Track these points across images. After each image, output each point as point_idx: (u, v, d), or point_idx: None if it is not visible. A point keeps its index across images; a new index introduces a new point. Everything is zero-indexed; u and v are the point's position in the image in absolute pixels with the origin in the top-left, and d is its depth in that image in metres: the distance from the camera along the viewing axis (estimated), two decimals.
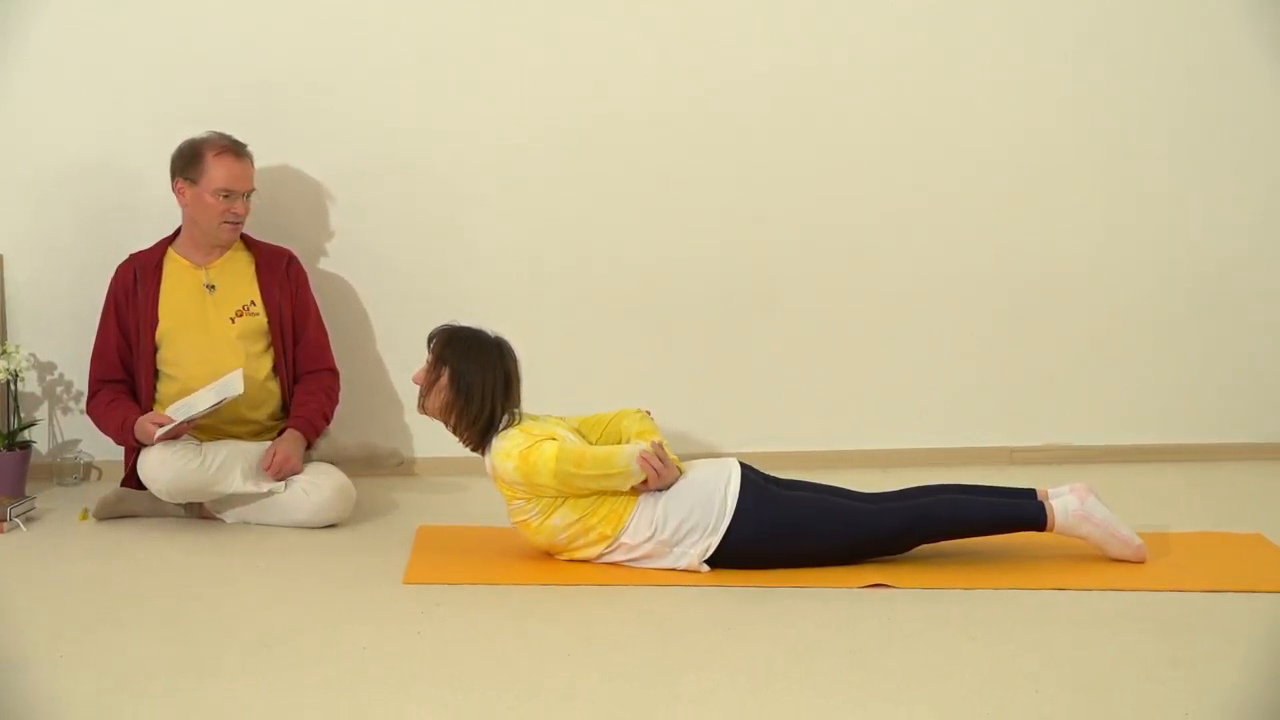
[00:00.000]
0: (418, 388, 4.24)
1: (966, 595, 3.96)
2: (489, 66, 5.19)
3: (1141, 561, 4.19)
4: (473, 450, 4.24)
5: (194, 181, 4.72)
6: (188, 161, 4.73)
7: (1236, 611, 3.83)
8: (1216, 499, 5.01)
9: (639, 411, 4.37)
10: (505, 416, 4.18)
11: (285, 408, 4.81)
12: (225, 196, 4.70)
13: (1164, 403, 5.53)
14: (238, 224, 4.75)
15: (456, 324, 4.26)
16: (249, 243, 4.89)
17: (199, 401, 4.57)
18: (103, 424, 4.76)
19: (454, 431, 4.23)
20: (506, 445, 4.13)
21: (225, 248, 4.82)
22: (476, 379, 4.15)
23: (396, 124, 5.19)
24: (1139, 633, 3.67)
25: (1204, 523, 4.68)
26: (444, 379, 4.17)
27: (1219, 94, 5.39)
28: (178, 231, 4.84)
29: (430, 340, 4.24)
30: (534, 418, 4.25)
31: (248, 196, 4.75)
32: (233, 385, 4.54)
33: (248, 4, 5.10)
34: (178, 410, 4.60)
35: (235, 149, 4.72)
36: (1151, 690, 3.30)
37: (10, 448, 4.92)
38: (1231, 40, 5.35)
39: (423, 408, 4.24)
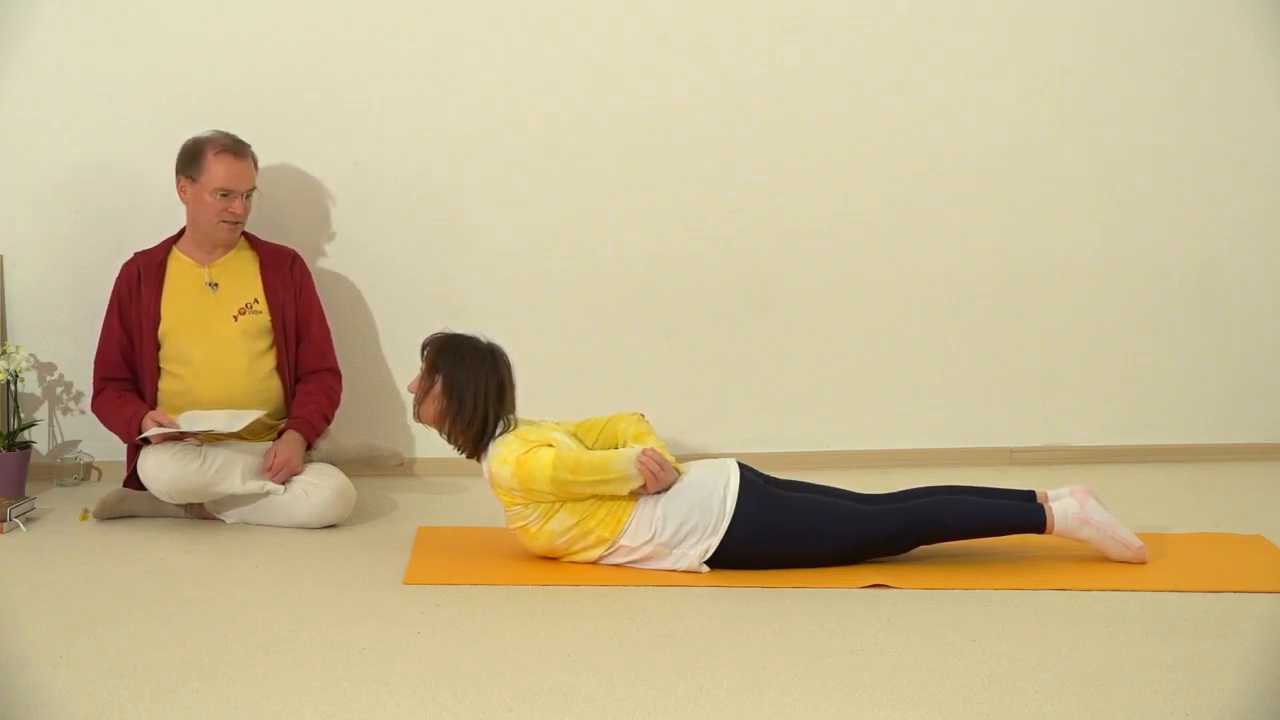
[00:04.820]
0: (413, 396, 4.25)
1: (966, 595, 3.96)
2: (489, 67, 5.19)
3: (1142, 563, 4.19)
4: (468, 457, 4.25)
5: (194, 179, 4.73)
6: (189, 159, 4.74)
7: (1236, 611, 3.83)
8: (1216, 499, 5.01)
9: (634, 414, 4.37)
10: (500, 423, 4.19)
11: (287, 408, 4.81)
12: (223, 196, 4.71)
13: (1164, 403, 5.53)
14: (236, 224, 4.76)
15: (449, 331, 4.27)
16: (253, 242, 4.89)
17: (208, 420, 4.57)
18: (108, 421, 4.76)
19: (449, 439, 4.23)
20: (502, 452, 4.13)
21: (227, 245, 4.83)
22: (470, 386, 4.15)
23: (396, 125, 5.19)
24: (1139, 633, 3.67)
25: (1204, 523, 4.68)
26: (438, 387, 4.18)
27: (1219, 94, 5.40)
28: (183, 231, 4.85)
29: (423, 349, 4.25)
30: (530, 423, 4.25)
31: (247, 197, 4.75)
32: (238, 423, 4.55)
33: (248, 5, 5.10)
34: (186, 420, 4.59)
35: (235, 149, 4.73)
36: (1151, 690, 3.30)
37: (10, 448, 4.92)
38: (1231, 40, 5.36)
39: (418, 416, 4.25)
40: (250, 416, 4.59)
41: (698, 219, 5.32)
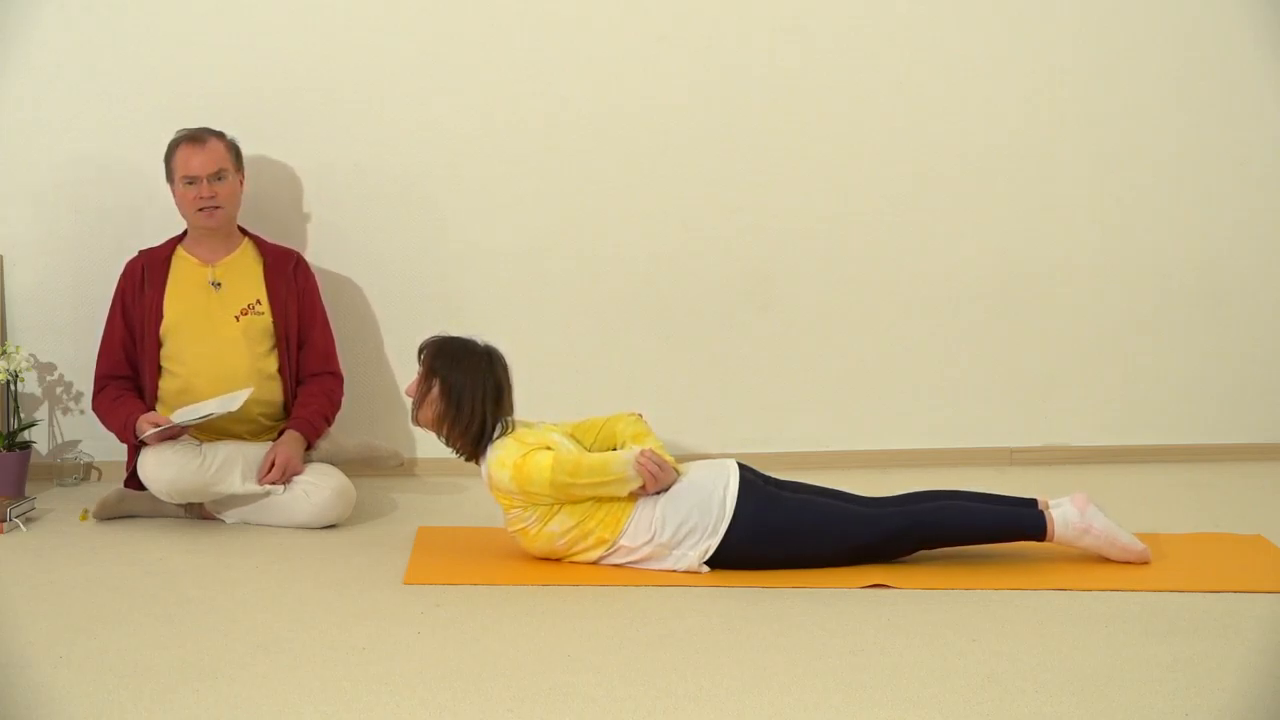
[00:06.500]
0: (410, 400, 4.26)
1: (966, 595, 3.96)
2: (489, 67, 5.19)
3: (1145, 564, 4.19)
4: (467, 460, 4.25)
5: (171, 179, 4.78)
6: (165, 163, 4.80)
7: (1236, 611, 3.83)
8: (1216, 499, 5.01)
9: (632, 415, 4.37)
10: (498, 425, 4.19)
11: (287, 409, 4.81)
12: (189, 183, 4.73)
13: (1164, 403, 5.53)
14: (211, 209, 4.75)
15: (446, 335, 4.27)
16: (258, 243, 4.90)
17: (202, 410, 4.57)
18: (106, 420, 4.77)
19: (447, 442, 4.23)
20: (501, 455, 4.13)
21: (231, 244, 4.83)
22: (467, 389, 4.15)
23: (396, 125, 5.19)
24: (1139, 633, 3.67)
25: (1204, 523, 4.68)
26: (435, 391, 4.18)
27: (1219, 94, 5.40)
28: (188, 230, 4.86)
29: (420, 352, 4.25)
30: (528, 425, 4.25)
31: (216, 179, 4.74)
32: (234, 404, 4.55)
33: (248, 5, 5.10)
34: (180, 415, 4.60)
35: (192, 136, 4.76)
36: (1151, 690, 3.30)
37: (10, 448, 4.92)
38: (1231, 40, 5.36)
39: (416, 420, 4.25)
40: (242, 396, 4.58)
41: (698, 219, 5.32)
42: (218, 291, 4.80)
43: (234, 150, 4.81)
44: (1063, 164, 5.40)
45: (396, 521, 4.74)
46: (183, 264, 4.83)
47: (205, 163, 4.73)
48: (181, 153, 4.75)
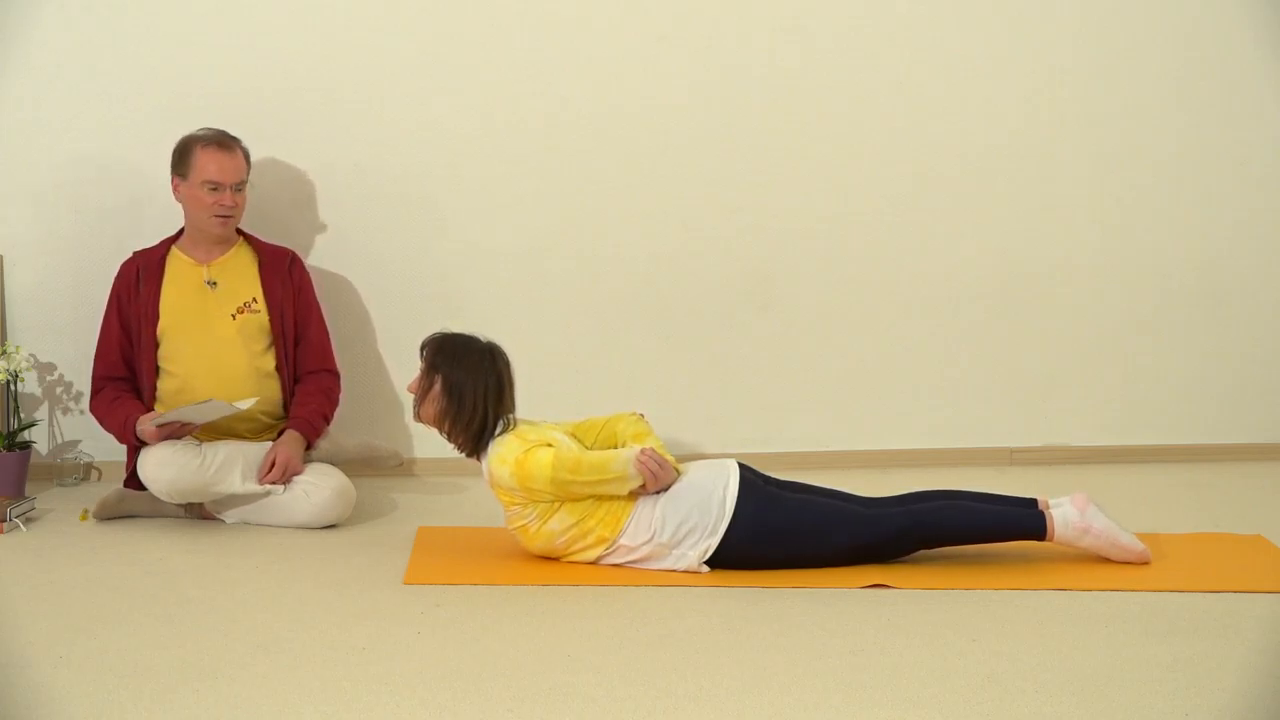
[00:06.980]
0: (412, 397, 4.26)
1: (966, 595, 3.96)
2: (489, 67, 5.19)
3: (1145, 564, 4.19)
4: (468, 456, 4.25)
5: (185, 177, 4.76)
6: (179, 157, 4.77)
7: (1236, 611, 3.83)
8: (1216, 499, 5.01)
9: (633, 415, 4.37)
10: (499, 422, 4.19)
11: (285, 407, 4.81)
12: (213, 189, 4.72)
13: (1164, 403, 5.53)
14: (227, 217, 4.76)
15: (447, 331, 4.27)
16: (252, 242, 4.90)
17: (206, 410, 4.57)
18: (105, 422, 4.77)
19: (449, 439, 4.24)
20: (502, 451, 4.13)
21: (226, 244, 4.83)
22: (468, 386, 4.16)
23: (396, 125, 5.19)
24: (1139, 633, 3.68)
25: (1204, 523, 4.68)
26: (437, 387, 4.19)
27: (1219, 94, 5.40)
28: (182, 230, 4.85)
29: (422, 349, 4.26)
30: (529, 423, 4.25)
31: (238, 189, 4.75)
32: (241, 406, 4.56)
33: (248, 5, 5.10)
34: (179, 411, 4.60)
35: (221, 142, 4.75)
36: (1151, 690, 3.30)
37: (10, 448, 4.92)
38: (1231, 40, 5.36)
39: (418, 416, 4.26)
40: (246, 404, 4.59)
41: (698, 219, 5.32)
42: (213, 290, 4.80)
43: (249, 160, 4.81)
44: (1063, 164, 5.40)
45: (396, 521, 4.74)
46: (178, 264, 4.82)
47: (233, 170, 4.73)
48: (208, 154, 4.72)
